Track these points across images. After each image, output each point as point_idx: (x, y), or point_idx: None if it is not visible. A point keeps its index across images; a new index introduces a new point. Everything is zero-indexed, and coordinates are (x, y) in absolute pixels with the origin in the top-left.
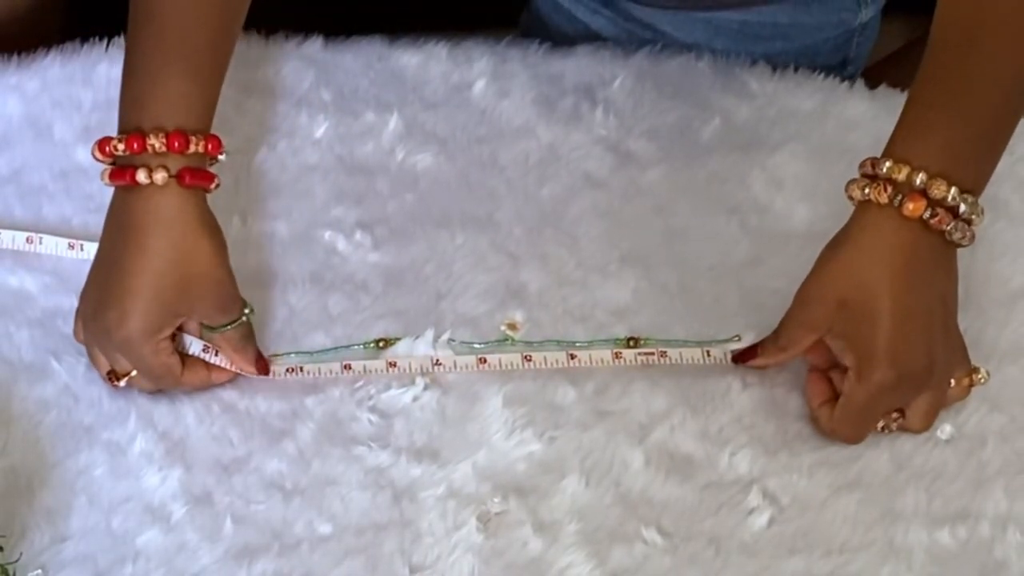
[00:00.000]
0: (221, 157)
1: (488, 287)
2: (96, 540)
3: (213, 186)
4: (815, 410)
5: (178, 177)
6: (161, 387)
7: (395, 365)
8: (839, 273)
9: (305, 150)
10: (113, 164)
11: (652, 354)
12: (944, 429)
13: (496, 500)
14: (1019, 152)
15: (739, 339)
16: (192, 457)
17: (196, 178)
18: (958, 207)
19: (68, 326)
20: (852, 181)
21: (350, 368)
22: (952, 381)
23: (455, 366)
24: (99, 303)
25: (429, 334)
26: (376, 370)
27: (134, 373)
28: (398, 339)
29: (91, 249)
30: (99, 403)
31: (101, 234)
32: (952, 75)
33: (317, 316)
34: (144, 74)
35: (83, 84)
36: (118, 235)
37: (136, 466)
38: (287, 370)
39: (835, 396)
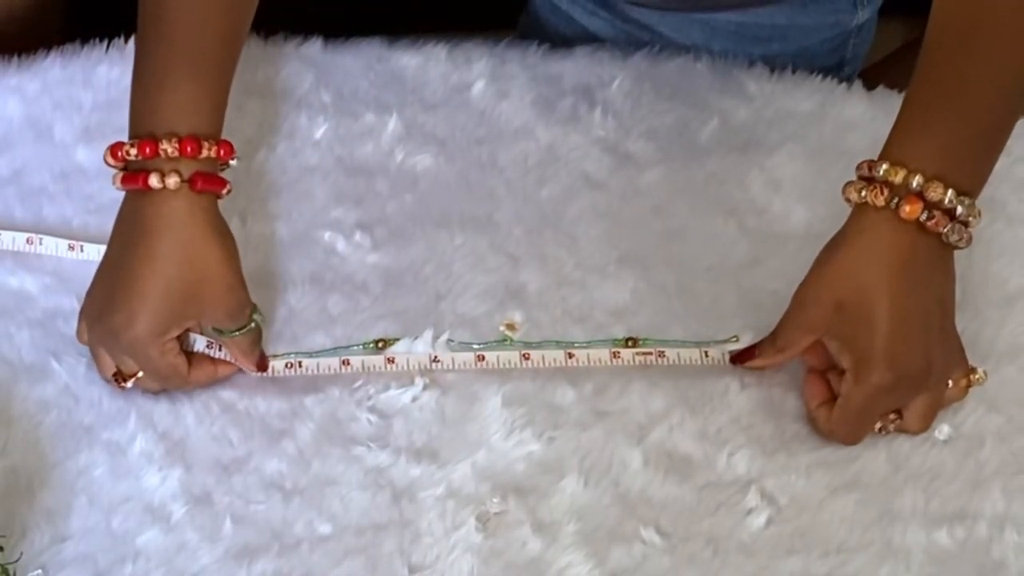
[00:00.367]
0: (232, 162)
1: (487, 288)
2: (96, 540)
3: (225, 192)
4: (813, 411)
5: (190, 182)
6: (168, 387)
7: (393, 361)
8: (836, 275)
9: (305, 151)
10: (124, 169)
11: (650, 354)
12: (942, 430)
13: (495, 500)
14: (1016, 153)
15: (737, 340)
16: (192, 457)
17: (208, 183)
18: (955, 209)
19: (68, 327)
20: (849, 183)
21: (348, 363)
22: (950, 382)
23: (453, 363)
24: (107, 304)
25: (428, 334)
26: (374, 366)
27: (140, 375)
28: (397, 339)
29: (91, 250)
30: (99, 403)
31: (110, 237)
32: (948, 76)
33: (317, 317)
34: (155, 79)
35: (83, 85)
36: (128, 238)
37: (136, 466)
38: (286, 365)
39: (833, 397)
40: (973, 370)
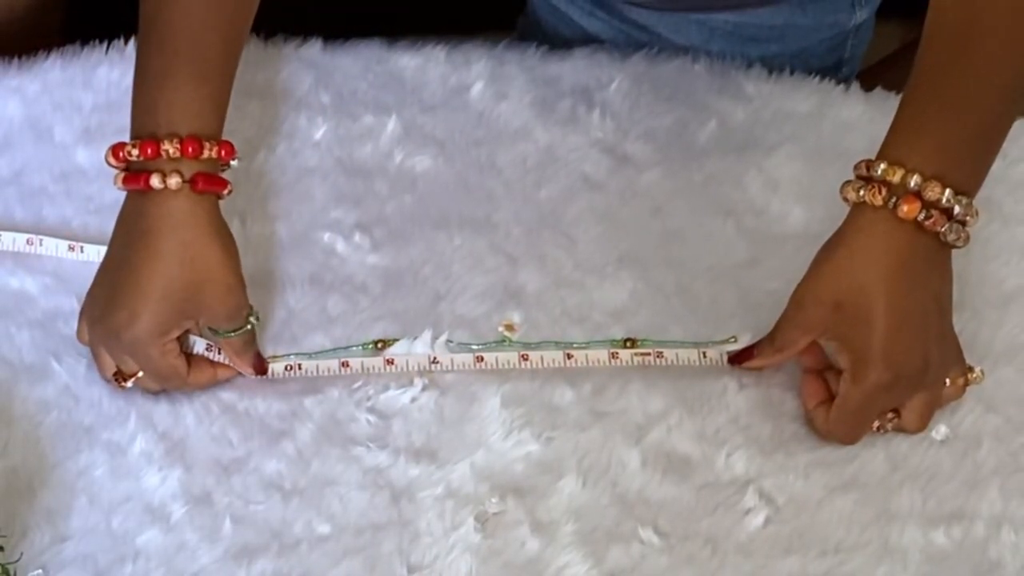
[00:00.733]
0: (233, 163)
1: (486, 288)
2: (96, 540)
3: (226, 192)
4: (811, 411)
5: (191, 183)
6: (167, 388)
7: (392, 362)
8: (834, 275)
9: (304, 152)
10: (126, 169)
11: (649, 355)
12: (939, 430)
13: (494, 500)
14: (1013, 155)
15: (735, 340)
16: (192, 457)
17: (209, 184)
18: (952, 209)
19: (68, 327)
20: (847, 183)
21: (348, 365)
22: (947, 381)
23: (452, 364)
24: (108, 304)
25: (427, 335)
26: (373, 367)
27: (140, 374)
28: (396, 340)
29: (91, 251)
30: (99, 404)
31: (111, 237)
32: (945, 77)
33: (316, 317)
34: (156, 79)
35: (83, 86)
36: (129, 239)
37: (136, 466)
38: (286, 368)
39: (831, 397)
40: (970, 369)
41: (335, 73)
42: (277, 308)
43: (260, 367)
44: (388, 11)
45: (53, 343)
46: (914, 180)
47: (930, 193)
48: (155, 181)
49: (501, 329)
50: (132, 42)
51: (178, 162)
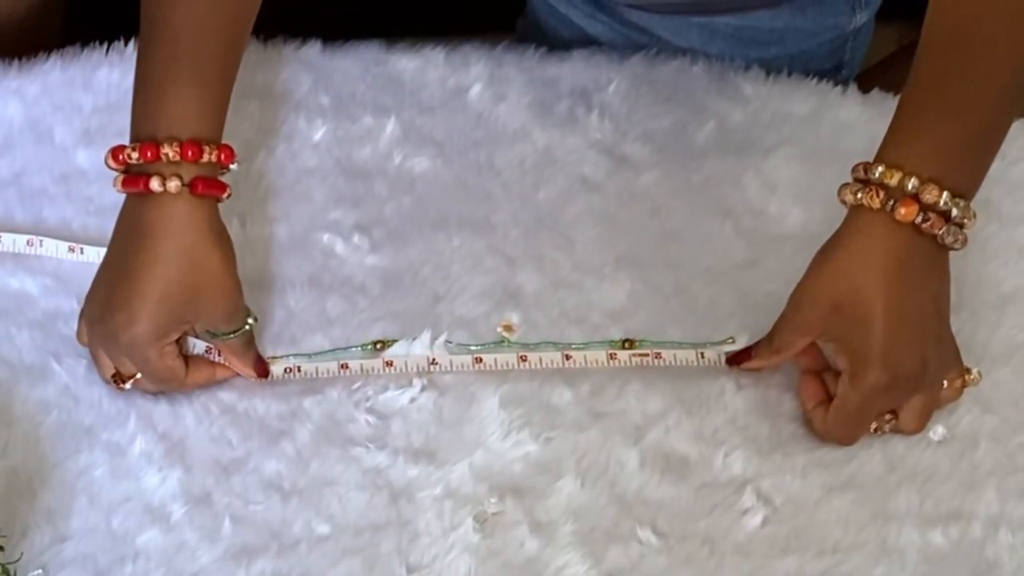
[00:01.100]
0: (233, 167)
1: (485, 289)
2: (96, 540)
3: (225, 196)
4: (809, 412)
5: (191, 186)
6: (165, 389)
7: (392, 364)
8: (832, 277)
9: (303, 153)
10: (126, 172)
11: (647, 356)
12: (936, 430)
13: (493, 500)
14: (1011, 156)
15: (733, 341)
16: (191, 458)
17: (208, 187)
18: (950, 211)
19: (68, 328)
20: (845, 185)
21: (347, 367)
22: (945, 383)
23: (451, 365)
24: (107, 306)
25: (426, 336)
26: (373, 369)
27: (139, 376)
28: (395, 340)
29: (91, 252)
30: (99, 404)
31: (110, 240)
32: (944, 79)
33: (315, 318)
34: (157, 83)
35: (83, 88)
36: (128, 241)
37: (136, 467)
38: (285, 370)
39: (829, 398)
40: (968, 371)
41: (334, 75)
42: (276, 309)
43: (261, 370)
44: (387, 13)
45: (53, 344)
46: (912, 183)
47: (928, 196)
48: (154, 184)
49: (500, 330)
50: (132, 44)
51: (178, 165)
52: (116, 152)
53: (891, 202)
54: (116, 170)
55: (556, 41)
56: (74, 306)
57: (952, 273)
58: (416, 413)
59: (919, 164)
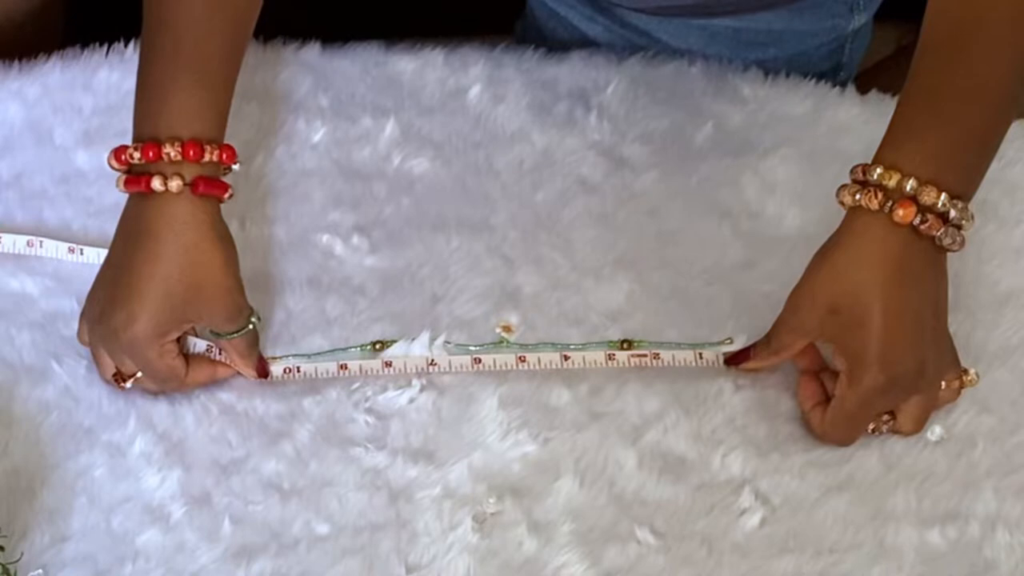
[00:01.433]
0: (235, 167)
1: (483, 290)
2: (96, 540)
3: (227, 196)
4: (807, 412)
5: (192, 186)
6: (166, 389)
7: (391, 365)
8: (830, 278)
9: (303, 155)
10: (128, 172)
11: (645, 356)
12: (934, 430)
13: (491, 500)
14: (1008, 157)
15: (731, 342)
16: (191, 458)
17: (210, 187)
18: (948, 213)
19: (68, 329)
20: (843, 187)
21: (346, 368)
22: (943, 383)
23: (450, 366)
24: (108, 305)
25: (425, 337)
26: (372, 369)
27: (139, 375)
28: (394, 341)
29: (91, 253)
30: (99, 405)
31: (113, 239)
32: (942, 81)
33: (315, 319)
34: (159, 83)
35: (83, 90)
36: (130, 240)
37: (136, 467)
38: (284, 370)
39: (827, 398)
40: (965, 371)
41: (333, 76)
42: (276, 310)
43: (263, 370)
44: (386, 14)
45: (53, 344)
46: (910, 184)
47: (926, 197)
48: (156, 184)
49: (498, 331)
50: (132, 45)
51: (179, 165)
52: (118, 152)
53: (889, 203)
54: (119, 170)
55: (555, 43)
56: (74, 307)
57: (949, 274)
58: (415, 413)
59: (917, 166)
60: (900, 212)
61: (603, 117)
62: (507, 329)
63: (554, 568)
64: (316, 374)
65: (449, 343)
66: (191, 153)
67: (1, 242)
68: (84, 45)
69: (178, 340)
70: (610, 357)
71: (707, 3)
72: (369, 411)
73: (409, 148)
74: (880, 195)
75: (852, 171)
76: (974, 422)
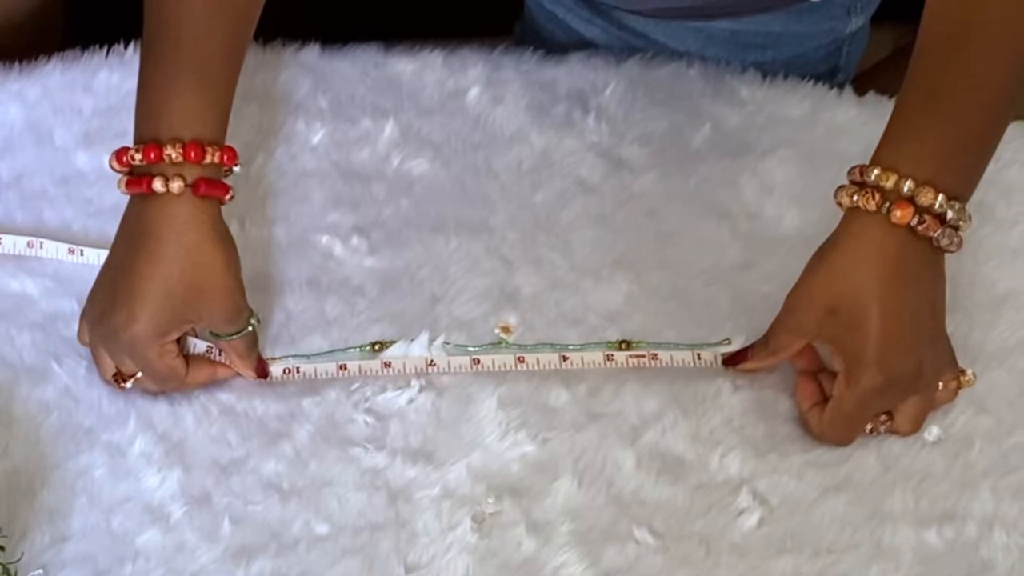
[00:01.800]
0: (236, 168)
1: (482, 291)
2: (96, 540)
3: (228, 197)
4: (805, 413)
5: (193, 187)
6: (165, 389)
7: (390, 365)
8: (828, 279)
9: (302, 156)
10: (129, 173)
11: (644, 357)
12: (931, 431)
13: (490, 501)
14: (1005, 158)
15: (729, 343)
16: (191, 458)
17: (211, 188)
18: (945, 214)
19: (68, 329)
20: (841, 188)
21: (345, 368)
22: (940, 384)
23: (449, 366)
24: (108, 305)
25: (424, 337)
26: (371, 370)
27: (139, 375)
28: (393, 342)
29: (91, 254)
30: (99, 405)
31: (114, 240)
32: (939, 82)
33: (314, 320)
34: (160, 85)
35: (83, 91)
36: (131, 241)
37: (136, 467)
38: (284, 371)
39: (825, 399)
40: (963, 372)
41: (333, 77)
42: (275, 310)
43: (262, 371)
44: (385, 16)
45: (53, 345)
46: (907, 185)
47: (923, 198)
48: (157, 185)
49: (497, 331)
50: (132, 47)
51: (180, 166)
52: (120, 154)
53: (887, 205)
54: (120, 172)
55: (553, 45)
56: (74, 308)
57: (947, 274)
58: (414, 414)
59: (915, 167)
60: (898, 213)
61: (602, 118)
62: (506, 330)
63: (553, 568)
64: (315, 375)
65: (448, 344)
66: (192, 154)
67: (1, 243)
68: (84, 47)
69: (178, 341)
70: (608, 358)
71: (704, 5)
72: (368, 411)
73: (408, 149)
74: (878, 196)
75: (850, 172)
76: (971, 423)
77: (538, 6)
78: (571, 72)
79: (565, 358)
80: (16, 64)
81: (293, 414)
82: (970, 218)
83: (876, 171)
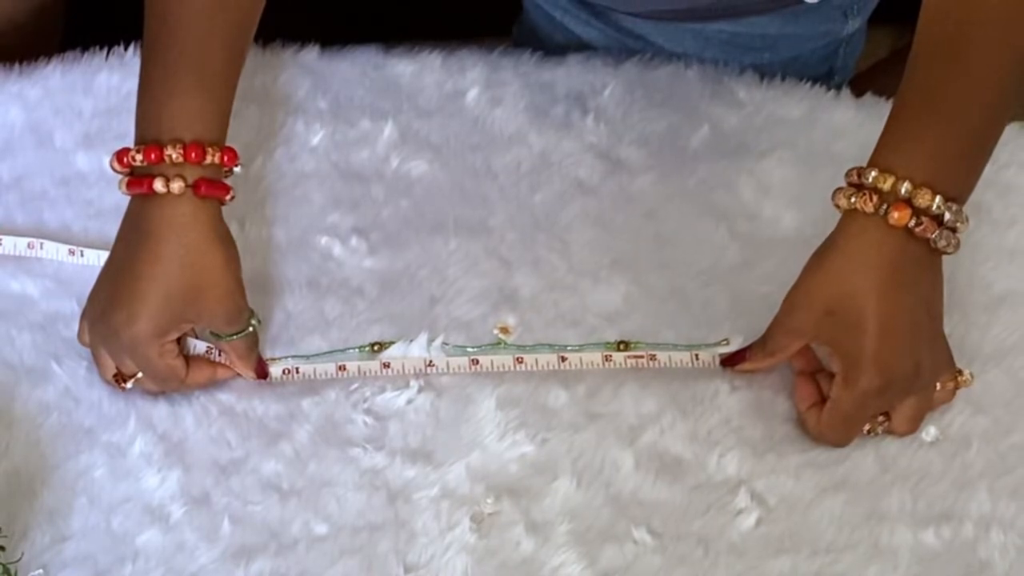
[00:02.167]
0: (236, 169)
1: (481, 292)
2: (96, 540)
3: (228, 198)
4: (803, 413)
5: (194, 187)
6: (165, 389)
7: (389, 366)
8: (826, 281)
9: (302, 157)
10: (130, 174)
11: (642, 357)
12: (929, 431)
13: (489, 501)
14: (1002, 160)
15: (727, 343)
16: (191, 458)
17: (211, 189)
18: (943, 215)
19: (69, 330)
20: (838, 190)
21: (345, 369)
22: (937, 384)
23: (448, 367)
24: (109, 305)
25: (423, 338)
26: (370, 370)
27: (139, 375)
28: (392, 342)
29: (91, 255)
30: (99, 406)
31: (115, 240)
32: (936, 84)
33: (313, 320)
34: (161, 86)
35: (84, 92)
36: (132, 241)
37: (135, 467)
38: (283, 372)
39: (822, 399)
40: (960, 373)
41: (332, 79)
42: (275, 311)
43: (262, 371)
44: (385, 17)
45: (54, 346)
46: (904, 187)
47: (920, 200)
48: (158, 185)
49: (496, 332)
50: (132, 49)
51: (181, 167)
52: (120, 155)
53: (884, 206)
54: (121, 173)
55: (551, 46)
56: (74, 308)
57: (944, 275)
58: (413, 414)
59: (912, 168)
60: (895, 215)
61: (600, 120)
62: (505, 330)
63: (551, 568)
64: (315, 375)
65: (447, 344)
66: (193, 155)
67: (2, 244)
68: (84, 48)
69: (178, 341)
70: (607, 358)
71: (701, 8)
72: (367, 412)
73: (407, 150)
74: (875, 198)
75: (847, 174)
76: (969, 423)
77: (536, 8)
78: (570, 73)
79: (564, 359)
80: (16, 65)
81: (292, 414)
82: (967, 219)
83: (874, 173)
